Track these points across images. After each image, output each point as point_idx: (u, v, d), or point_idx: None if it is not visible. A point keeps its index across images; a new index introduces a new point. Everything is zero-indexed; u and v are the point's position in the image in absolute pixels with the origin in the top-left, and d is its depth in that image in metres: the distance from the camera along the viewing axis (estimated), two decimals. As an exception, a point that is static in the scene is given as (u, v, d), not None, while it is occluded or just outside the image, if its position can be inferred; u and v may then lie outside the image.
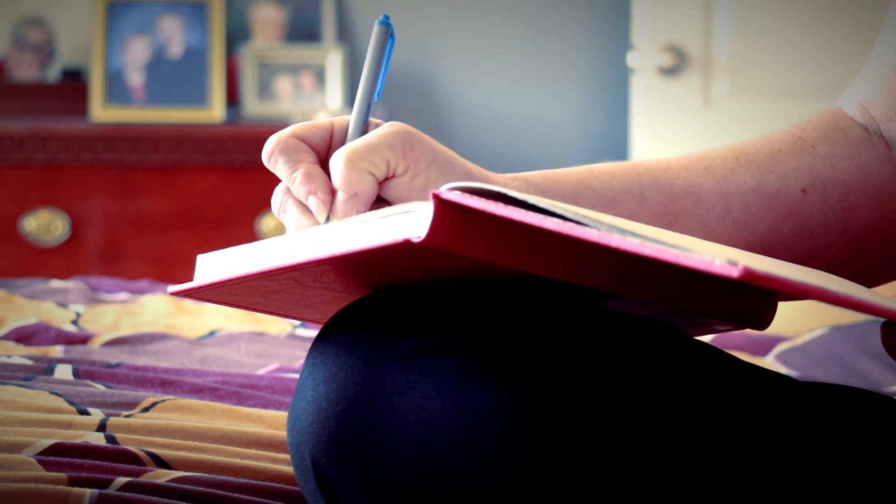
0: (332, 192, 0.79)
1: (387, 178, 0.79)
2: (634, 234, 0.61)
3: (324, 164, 0.81)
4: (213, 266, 0.80)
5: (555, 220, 0.64)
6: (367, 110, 0.82)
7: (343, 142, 0.82)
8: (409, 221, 0.68)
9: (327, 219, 0.78)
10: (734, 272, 0.58)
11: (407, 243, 0.67)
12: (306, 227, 0.79)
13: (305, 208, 0.80)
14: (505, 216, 0.65)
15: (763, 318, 0.83)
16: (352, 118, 0.83)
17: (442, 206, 0.67)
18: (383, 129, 0.79)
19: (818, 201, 0.92)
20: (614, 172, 0.89)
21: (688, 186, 0.90)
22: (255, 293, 0.81)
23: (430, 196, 0.67)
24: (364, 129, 0.82)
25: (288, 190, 0.81)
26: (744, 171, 0.91)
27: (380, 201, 0.80)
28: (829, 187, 0.92)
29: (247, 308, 0.86)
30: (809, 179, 0.92)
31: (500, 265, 0.69)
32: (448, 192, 0.67)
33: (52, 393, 1.08)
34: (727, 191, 0.90)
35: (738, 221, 0.90)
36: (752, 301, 0.82)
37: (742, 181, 0.91)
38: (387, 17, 0.83)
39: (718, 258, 0.58)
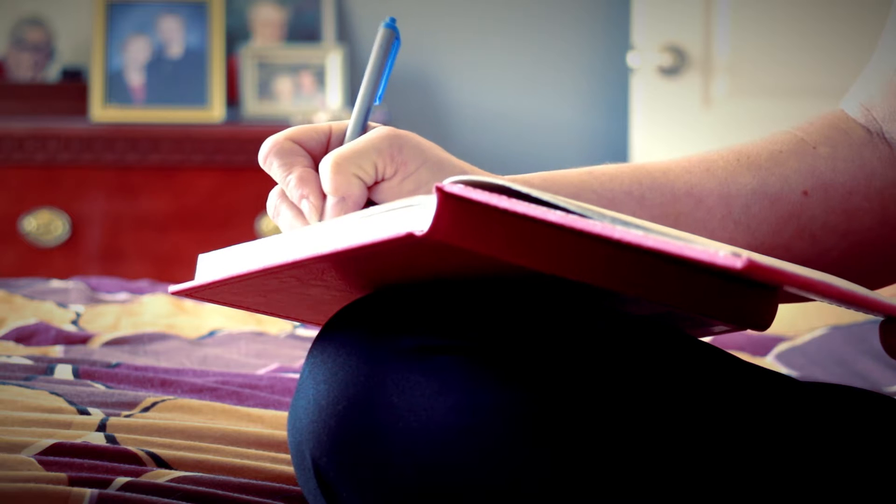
0: (325, 197, 0.79)
1: (377, 182, 0.79)
2: (637, 227, 0.61)
3: (319, 168, 0.81)
4: (214, 265, 0.80)
5: (558, 212, 0.63)
6: (366, 114, 0.82)
7: (341, 145, 0.82)
8: (413, 215, 0.68)
9: None
10: (738, 263, 0.57)
11: (409, 237, 0.67)
12: (300, 231, 0.79)
13: (300, 212, 0.80)
14: (508, 209, 0.65)
15: (764, 319, 0.83)
16: (350, 121, 0.82)
17: (445, 199, 0.66)
18: (372, 134, 0.80)
19: (820, 203, 0.91)
20: (614, 174, 0.89)
21: (688, 188, 0.90)
22: (256, 293, 0.81)
23: (434, 190, 0.67)
24: (362, 132, 0.82)
25: (283, 193, 0.81)
26: (745, 173, 0.91)
27: (371, 205, 0.80)
28: (831, 189, 0.92)
29: (247, 309, 0.85)
30: (811, 181, 0.92)
31: (502, 260, 0.69)
32: (451, 185, 0.67)
33: (52, 393, 1.08)
34: (728, 192, 0.90)
35: (739, 223, 0.90)
36: (753, 301, 0.82)
37: (743, 183, 0.91)
38: (393, 20, 0.82)
39: (722, 250, 0.58)
